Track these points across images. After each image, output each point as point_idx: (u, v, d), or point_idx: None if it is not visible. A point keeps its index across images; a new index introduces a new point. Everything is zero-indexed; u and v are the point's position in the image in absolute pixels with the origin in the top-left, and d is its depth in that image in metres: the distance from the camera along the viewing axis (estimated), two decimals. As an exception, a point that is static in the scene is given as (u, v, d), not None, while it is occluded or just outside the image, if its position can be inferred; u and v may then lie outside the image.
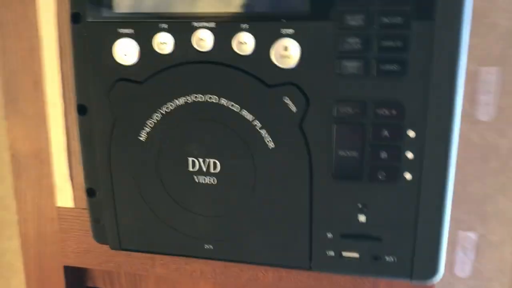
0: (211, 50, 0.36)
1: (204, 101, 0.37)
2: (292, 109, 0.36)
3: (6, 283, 0.65)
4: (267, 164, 0.37)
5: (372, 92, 0.34)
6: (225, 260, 0.41)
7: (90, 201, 0.43)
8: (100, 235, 0.44)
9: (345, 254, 0.38)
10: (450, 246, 0.47)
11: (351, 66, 0.34)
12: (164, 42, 0.37)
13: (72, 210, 0.48)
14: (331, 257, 0.38)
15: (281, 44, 0.35)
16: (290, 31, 0.35)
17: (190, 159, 0.39)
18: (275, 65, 0.35)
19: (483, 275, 0.47)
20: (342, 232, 0.38)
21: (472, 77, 0.44)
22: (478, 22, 0.43)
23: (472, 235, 0.48)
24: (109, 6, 0.37)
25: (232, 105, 0.37)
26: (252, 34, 0.35)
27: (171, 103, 0.38)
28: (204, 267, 0.46)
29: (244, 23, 0.35)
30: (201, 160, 0.39)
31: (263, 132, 0.37)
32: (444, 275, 0.38)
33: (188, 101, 0.38)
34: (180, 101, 0.38)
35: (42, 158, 0.47)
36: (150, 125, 0.39)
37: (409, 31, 0.33)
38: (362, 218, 0.37)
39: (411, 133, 0.34)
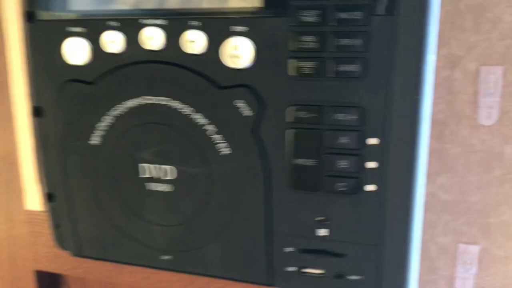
0: (160, 49, 0.34)
1: (155, 103, 0.35)
2: (246, 113, 0.33)
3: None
4: (223, 171, 0.35)
5: (329, 95, 0.31)
6: (182, 272, 0.39)
7: (49, 206, 0.41)
8: (61, 241, 0.42)
9: (307, 270, 0.35)
10: (450, 261, 0.44)
11: (306, 66, 0.31)
12: (113, 41, 0.35)
13: (41, 214, 0.47)
14: (292, 273, 0.36)
15: (232, 43, 0.32)
16: (242, 28, 0.32)
17: (143, 165, 0.37)
18: (226, 65, 0.33)
19: (486, 292, 0.44)
20: (302, 246, 0.35)
21: (473, 78, 0.41)
22: (479, 17, 0.39)
23: (473, 249, 0.45)
24: (60, 4, 0.36)
25: (184, 108, 0.34)
26: (202, 31, 0.33)
27: (122, 105, 0.36)
28: (171, 277, 0.44)
29: (193, 20, 0.33)
30: (154, 166, 0.36)
31: (218, 137, 0.34)
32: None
33: (140, 103, 0.35)
34: (131, 103, 0.35)
35: (10, 160, 0.46)
36: (102, 128, 0.37)
37: (369, 28, 0.29)
38: (323, 232, 0.34)
39: (373, 141, 0.31)
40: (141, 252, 0.39)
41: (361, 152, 0.32)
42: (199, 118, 0.34)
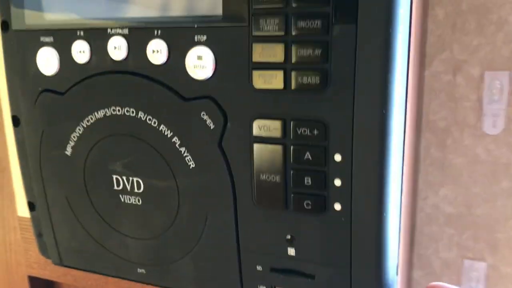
0: (126, 59, 0.33)
1: (122, 114, 0.34)
2: (210, 126, 0.32)
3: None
4: (189, 185, 0.34)
5: (291, 108, 0.29)
6: (157, 286, 0.38)
7: (31, 215, 0.41)
8: (44, 250, 0.42)
9: (278, 290, 0.34)
10: (455, 277, 0.42)
11: (269, 78, 0.29)
12: (82, 51, 0.34)
13: (32, 221, 0.47)
14: (263, 292, 0.34)
15: (195, 53, 0.31)
16: (203, 37, 0.31)
17: (115, 176, 0.36)
18: (190, 76, 0.31)
19: (494, 311, 0.41)
20: (273, 265, 0.33)
21: (476, 84, 0.38)
22: (483, 18, 0.37)
23: (480, 266, 0.42)
24: (33, 14, 0.35)
25: (150, 120, 0.33)
26: (165, 41, 0.32)
27: (91, 116, 0.35)
28: (154, 288, 0.43)
29: (156, 29, 0.32)
30: (124, 178, 0.36)
31: (183, 150, 0.33)
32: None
33: (107, 114, 0.35)
34: (99, 114, 0.35)
35: (2, 167, 0.47)
36: (74, 139, 0.36)
37: (328, 37, 0.27)
38: (291, 251, 0.32)
39: (338, 157, 0.29)
40: (118, 264, 0.38)
41: (327, 169, 0.30)
42: (165, 130, 0.33)
